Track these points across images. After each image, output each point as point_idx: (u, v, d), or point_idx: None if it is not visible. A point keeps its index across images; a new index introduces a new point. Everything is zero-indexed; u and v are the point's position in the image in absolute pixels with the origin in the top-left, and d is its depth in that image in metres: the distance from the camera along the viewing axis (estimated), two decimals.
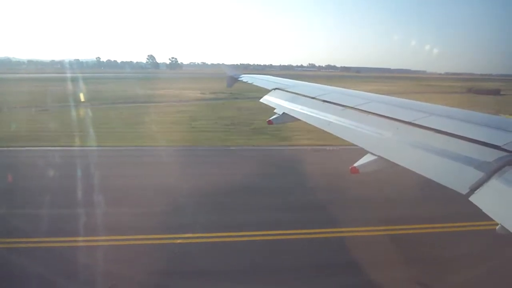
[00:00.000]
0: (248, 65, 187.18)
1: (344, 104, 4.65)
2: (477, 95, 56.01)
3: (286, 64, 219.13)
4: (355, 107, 4.39)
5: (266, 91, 7.35)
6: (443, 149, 2.83)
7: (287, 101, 6.04)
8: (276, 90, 7.04)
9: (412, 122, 3.41)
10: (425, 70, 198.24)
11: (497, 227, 2.06)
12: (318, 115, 4.80)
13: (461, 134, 2.85)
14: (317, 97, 5.39)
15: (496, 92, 60.51)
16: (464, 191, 2.28)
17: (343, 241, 8.81)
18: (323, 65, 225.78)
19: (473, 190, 2.25)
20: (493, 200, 2.17)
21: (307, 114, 5.08)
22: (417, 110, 3.79)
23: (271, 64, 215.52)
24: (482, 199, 2.17)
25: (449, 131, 2.99)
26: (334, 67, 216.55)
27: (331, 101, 4.97)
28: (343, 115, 4.38)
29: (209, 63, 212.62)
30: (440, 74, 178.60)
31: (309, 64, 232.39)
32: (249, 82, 9.59)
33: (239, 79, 10.62)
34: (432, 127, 3.16)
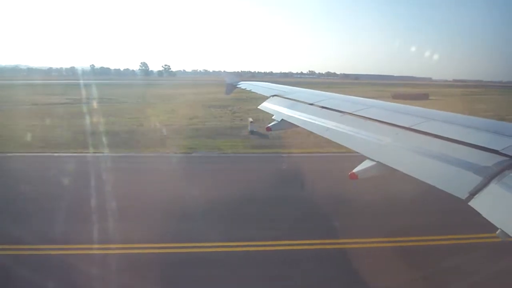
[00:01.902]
0: (249, 72, 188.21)
1: (342, 110, 4.63)
2: (399, 100, 52.64)
3: (286, 71, 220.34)
4: (354, 113, 4.38)
5: (263, 98, 7.36)
6: (442, 154, 2.81)
7: (285, 107, 6.02)
8: (275, 97, 7.03)
9: (411, 127, 3.39)
10: (430, 77, 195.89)
11: (497, 232, 2.03)
12: (316, 121, 4.78)
13: (460, 139, 2.83)
14: (315, 103, 5.38)
15: (424, 97, 58.15)
16: (463, 196, 2.25)
17: None
18: (323, 72, 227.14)
19: (472, 194, 2.22)
20: (492, 205, 2.14)
21: (305, 120, 5.06)
22: (416, 116, 3.78)
23: (271, 71, 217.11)
24: (481, 204, 2.14)
25: (448, 136, 2.97)
26: (334, 74, 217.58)
27: (329, 107, 4.95)
28: (341, 121, 4.36)
29: (210, 71, 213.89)
30: (446, 81, 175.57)
31: (309, 71, 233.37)
32: (247, 89, 9.61)
33: (238, 86, 10.66)
34: (431, 132, 3.15)
